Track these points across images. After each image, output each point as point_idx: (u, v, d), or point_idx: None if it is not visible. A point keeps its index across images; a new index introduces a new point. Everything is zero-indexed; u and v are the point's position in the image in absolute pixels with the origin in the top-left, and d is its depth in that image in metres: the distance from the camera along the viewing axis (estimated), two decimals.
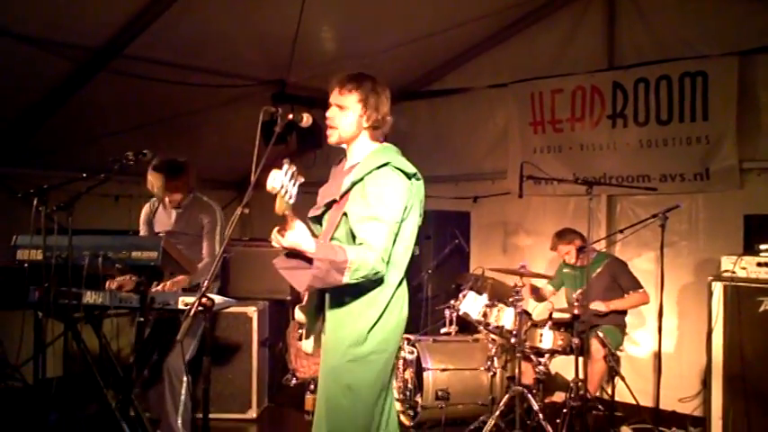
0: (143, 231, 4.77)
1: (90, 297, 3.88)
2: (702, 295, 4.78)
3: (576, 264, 5.61)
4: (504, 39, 6.86)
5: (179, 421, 4.46)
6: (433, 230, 6.53)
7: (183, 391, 4.40)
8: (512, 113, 6.85)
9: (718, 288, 4.61)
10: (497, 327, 5.16)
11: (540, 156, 6.48)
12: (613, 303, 5.35)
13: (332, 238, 2.86)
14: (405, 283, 2.97)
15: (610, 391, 5.37)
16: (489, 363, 5.23)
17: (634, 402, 5.23)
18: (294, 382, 6.29)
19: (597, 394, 5.43)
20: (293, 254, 2.76)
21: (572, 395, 4.84)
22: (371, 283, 2.80)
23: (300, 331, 3.16)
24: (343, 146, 3.05)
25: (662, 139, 5.84)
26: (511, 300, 5.08)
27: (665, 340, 5.00)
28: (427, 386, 5.14)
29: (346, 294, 2.84)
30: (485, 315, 5.24)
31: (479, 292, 5.46)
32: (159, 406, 4.55)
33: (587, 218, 4.85)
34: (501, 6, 6.13)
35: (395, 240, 2.82)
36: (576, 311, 4.85)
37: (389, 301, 2.86)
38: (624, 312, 5.53)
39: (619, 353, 5.43)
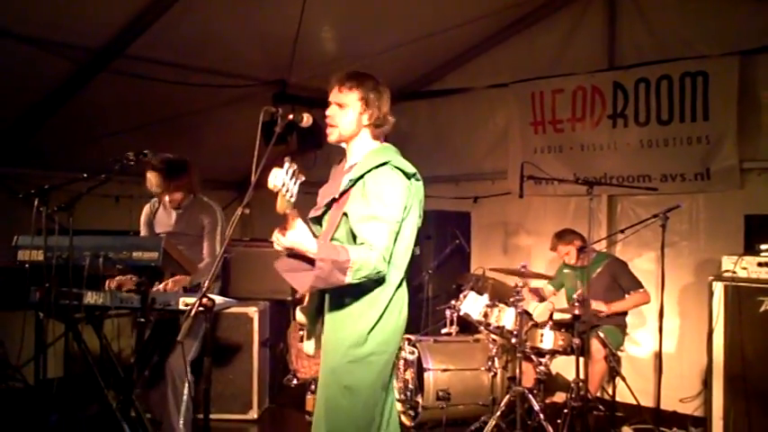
0: (143, 232, 4.76)
1: (91, 297, 3.88)
2: (703, 295, 4.78)
3: (577, 264, 5.61)
4: (505, 39, 6.86)
5: (181, 422, 4.46)
6: (434, 231, 6.54)
7: (186, 392, 4.40)
8: (512, 113, 6.85)
9: (718, 288, 4.61)
10: (498, 327, 5.16)
11: (540, 156, 6.48)
12: (614, 305, 5.35)
13: (332, 239, 2.86)
14: (405, 283, 2.97)
15: (611, 392, 5.37)
16: (490, 363, 5.23)
17: (635, 403, 5.24)
18: (295, 382, 6.27)
19: (598, 394, 5.43)
20: (294, 255, 2.76)
21: (573, 395, 4.84)
22: (372, 284, 2.80)
23: (301, 333, 3.16)
24: (343, 145, 3.05)
25: (662, 139, 5.84)
26: (512, 300, 5.08)
27: (666, 340, 5.00)
28: (428, 386, 5.14)
29: (346, 295, 2.84)
30: (485, 315, 5.24)
31: (480, 293, 5.46)
32: (161, 406, 4.55)
33: (588, 218, 4.85)
34: (501, 6, 6.14)
35: (395, 240, 2.82)
36: (576, 312, 4.84)
37: (389, 302, 2.85)
38: (625, 312, 5.53)
39: (619, 353, 5.43)
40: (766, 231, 4.92)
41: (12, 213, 5.53)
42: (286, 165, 2.45)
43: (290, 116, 2.93)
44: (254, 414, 5.53)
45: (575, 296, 4.96)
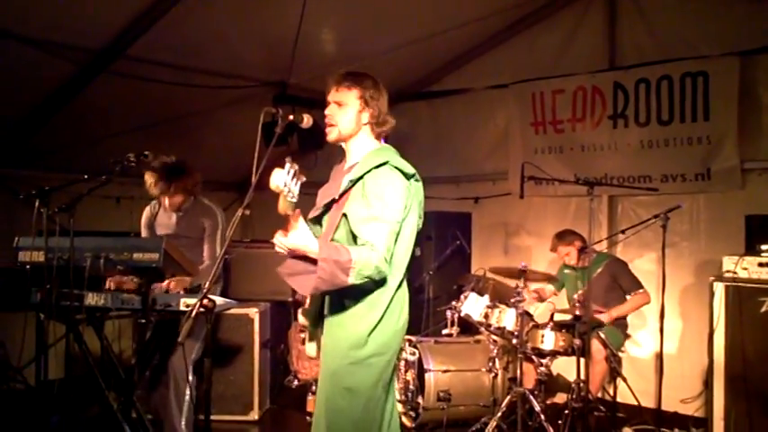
0: (144, 234, 4.75)
1: (92, 299, 3.88)
2: (704, 296, 4.78)
3: (577, 265, 5.61)
4: (505, 39, 6.86)
5: (183, 422, 4.46)
6: (435, 231, 6.54)
7: (187, 392, 4.40)
8: (512, 114, 6.85)
9: (719, 288, 4.61)
10: (499, 328, 5.16)
11: (541, 156, 6.48)
12: (615, 310, 5.34)
13: (332, 239, 2.85)
14: (405, 284, 2.96)
15: (611, 392, 5.37)
16: (491, 364, 5.23)
17: (636, 403, 5.24)
18: (296, 383, 6.30)
19: (599, 395, 5.43)
20: (296, 257, 2.76)
21: (574, 396, 4.84)
22: (372, 286, 2.79)
23: (303, 335, 3.16)
24: (342, 145, 3.04)
25: (663, 140, 5.84)
26: (512, 301, 5.08)
27: (667, 341, 4.99)
28: (429, 387, 5.14)
29: (346, 297, 2.83)
30: (486, 316, 5.24)
31: (481, 294, 5.46)
32: (163, 407, 4.55)
33: (588, 218, 4.85)
34: (501, 7, 6.14)
35: (395, 241, 2.82)
36: (577, 313, 4.84)
37: (390, 304, 2.85)
38: None
39: (620, 354, 5.42)
40: (767, 232, 4.91)
41: (13, 214, 5.55)
42: (287, 165, 2.45)
43: (291, 117, 2.93)
44: (254, 415, 5.53)
45: (575, 297, 4.96)
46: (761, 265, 4.52)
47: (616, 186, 5.91)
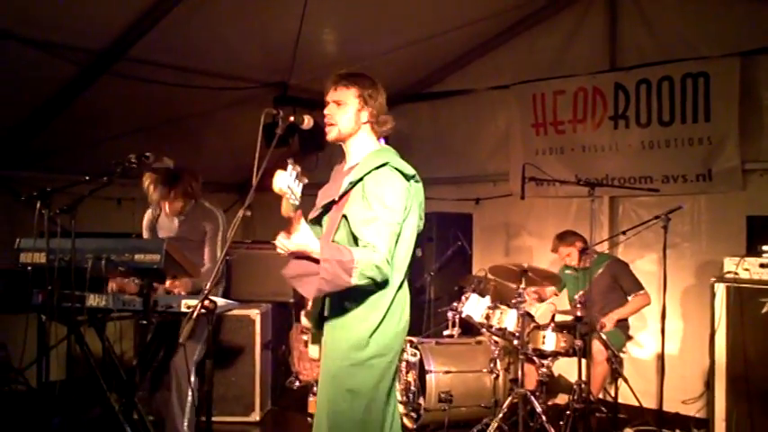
0: (146, 236, 4.76)
1: (93, 300, 3.88)
2: (705, 297, 4.77)
3: (578, 266, 5.60)
4: (506, 40, 6.86)
5: (185, 423, 4.46)
6: (436, 232, 6.54)
7: (190, 393, 4.40)
8: (513, 115, 6.86)
9: (720, 289, 4.60)
10: (500, 329, 5.16)
11: (541, 157, 6.48)
12: (616, 313, 5.34)
13: (332, 240, 2.85)
14: (406, 285, 2.96)
15: (613, 393, 5.37)
16: (492, 365, 5.23)
17: (637, 404, 5.23)
18: (297, 384, 6.28)
19: (600, 396, 5.43)
20: (299, 258, 2.76)
21: (575, 397, 4.85)
22: (372, 287, 2.78)
23: (306, 337, 3.16)
24: (342, 145, 3.04)
25: (664, 141, 5.84)
26: (513, 302, 5.08)
27: (668, 342, 4.99)
28: (430, 388, 5.14)
29: (347, 299, 2.83)
30: (487, 317, 5.24)
31: (482, 294, 5.46)
32: (165, 408, 4.55)
33: (590, 219, 4.85)
34: (502, 8, 6.14)
35: (396, 242, 2.82)
36: (578, 313, 4.84)
37: (390, 305, 2.85)
38: None
39: (622, 354, 5.43)
40: None
41: (14, 216, 5.55)
42: (289, 167, 2.45)
43: (292, 118, 2.94)
44: (256, 416, 5.53)
45: (576, 297, 4.96)
46: (762, 265, 4.52)
47: (617, 187, 5.91)
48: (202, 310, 2.72)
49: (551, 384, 5.30)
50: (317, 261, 2.68)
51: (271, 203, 2.50)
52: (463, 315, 5.41)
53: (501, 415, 4.88)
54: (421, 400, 5.21)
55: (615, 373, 5.25)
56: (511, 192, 6.73)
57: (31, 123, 5.82)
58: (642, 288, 5.40)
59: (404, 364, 5.36)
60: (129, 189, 6.35)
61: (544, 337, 5.04)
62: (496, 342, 5.34)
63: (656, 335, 5.38)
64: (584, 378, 4.84)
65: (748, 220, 5.32)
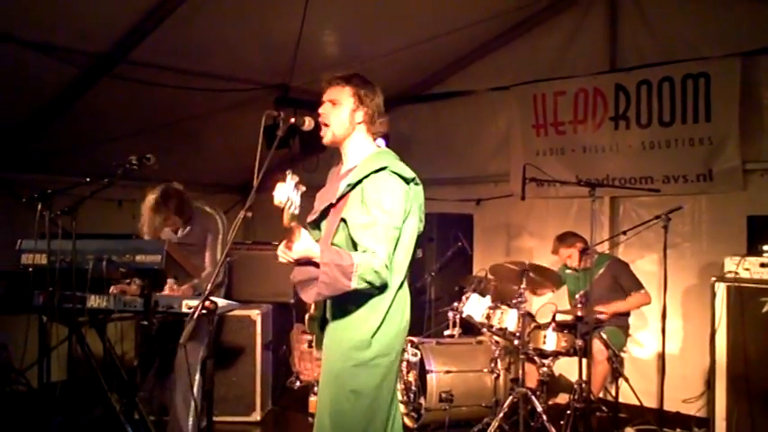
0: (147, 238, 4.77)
1: (94, 301, 3.89)
2: (705, 296, 4.77)
3: (579, 266, 5.61)
4: (506, 41, 6.87)
5: (190, 421, 4.47)
6: (437, 233, 6.54)
7: (194, 392, 4.41)
8: (514, 116, 6.86)
9: (721, 289, 4.60)
10: (501, 329, 5.16)
11: (542, 158, 6.48)
12: (614, 305, 5.35)
13: (331, 244, 2.86)
14: (406, 286, 2.97)
15: (613, 393, 5.38)
16: (493, 365, 5.24)
17: (638, 403, 5.24)
18: (298, 384, 6.30)
19: (601, 395, 5.43)
20: (303, 264, 2.77)
21: (576, 397, 4.85)
22: (372, 290, 2.79)
23: (308, 338, 3.17)
24: (339, 147, 3.05)
25: (665, 141, 5.84)
26: (514, 302, 5.09)
27: (669, 341, 4.99)
28: (431, 388, 5.15)
29: (348, 301, 2.84)
30: (488, 317, 5.25)
31: (483, 294, 5.46)
32: (170, 407, 4.57)
33: (590, 220, 4.85)
34: (503, 9, 6.14)
35: (395, 245, 2.82)
36: (579, 313, 4.85)
37: (391, 306, 2.85)
38: (627, 313, 5.54)
39: (622, 354, 5.43)
40: None
41: (15, 218, 5.56)
42: (288, 178, 2.46)
43: (292, 120, 2.95)
44: (257, 416, 5.54)
45: (577, 297, 4.96)
46: (762, 265, 4.52)
47: (618, 187, 5.91)
48: (203, 311, 2.72)
49: (552, 384, 5.31)
50: (318, 265, 2.69)
51: (271, 205, 2.51)
52: (464, 315, 5.42)
53: (502, 414, 4.88)
54: (422, 400, 5.22)
55: (616, 372, 5.26)
56: (511, 192, 6.74)
57: (32, 125, 5.83)
58: (642, 287, 5.40)
59: (405, 363, 5.38)
60: (130, 190, 6.33)
61: (545, 337, 5.05)
62: (497, 342, 5.35)
63: (656, 334, 5.38)
64: (584, 377, 4.84)
65: (749, 220, 5.31)
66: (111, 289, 4.13)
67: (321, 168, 6.53)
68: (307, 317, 3.15)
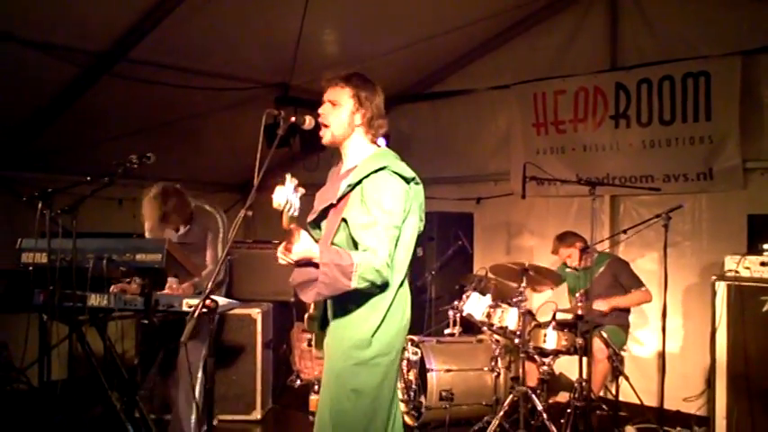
0: (149, 236, 4.78)
1: (94, 300, 3.89)
2: (706, 295, 4.77)
3: (579, 266, 5.61)
4: (507, 40, 6.87)
5: (193, 418, 4.47)
6: (437, 232, 6.55)
7: (198, 390, 4.41)
8: (514, 115, 6.86)
9: (721, 288, 4.60)
10: (501, 327, 5.16)
11: (542, 157, 6.48)
12: (614, 300, 5.36)
13: (331, 243, 2.86)
14: (406, 285, 2.97)
15: (614, 391, 5.37)
16: (493, 363, 5.24)
17: (638, 402, 5.24)
18: (298, 383, 6.32)
19: (601, 394, 5.44)
20: (302, 265, 2.77)
21: (576, 395, 4.84)
22: (373, 289, 2.79)
23: (309, 337, 3.17)
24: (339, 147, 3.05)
25: (665, 140, 5.84)
26: (514, 300, 5.09)
27: (669, 340, 4.99)
28: (431, 387, 5.15)
29: (348, 301, 2.84)
30: (488, 316, 5.24)
31: (483, 293, 5.46)
32: (173, 405, 4.58)
33: (590, 218, 4.85)
34: (503, 8, 6.14)
35: (396, 244, 2.82)
36: (579, 312, 4.85)
37: (391, 304, 2.85)
38: (628, 312, 5.54)
39: (623, 353, 5.43)
40: None
41: (15, 216, 5.56)
42: (287, 181, 2.46)
43: (293, 119, 2.95)
44: (257, 415, 5.54)
45: (577, 296, 4.97)
46: (763, 264, 4.52)
47: (618, 186, 5.91)
48: (204, 310, 2.72)
49: (552, 382, 5.30)
50: (318, 266, 2.70)
51: (271, 203, 2.51)
52: (464, 314, 5.41)
53: (502, 413, 4.88)
54: (422, 399, 5.22)
55: (616, 371, 5.25)
56: (512, 191, 6.74)
57: (33, 124, 5.84)
58: (643, 285, 5.41)
59: (405, 362, 5.38)
60: (130, 189, 6.34)
61: (545, 336, 5.04)
62: (497, 340, 5.35)
63: (656, 333, 5.38)
64: (585, 376, 4.83)
65: (749, 218, 5.32)
66: (112, 288, 4.13)
67: (321, 167, 6.53)
68: (306, 316, 3.15)
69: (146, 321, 3.87)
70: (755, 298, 4.47)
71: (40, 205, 3.60)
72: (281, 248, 2.74)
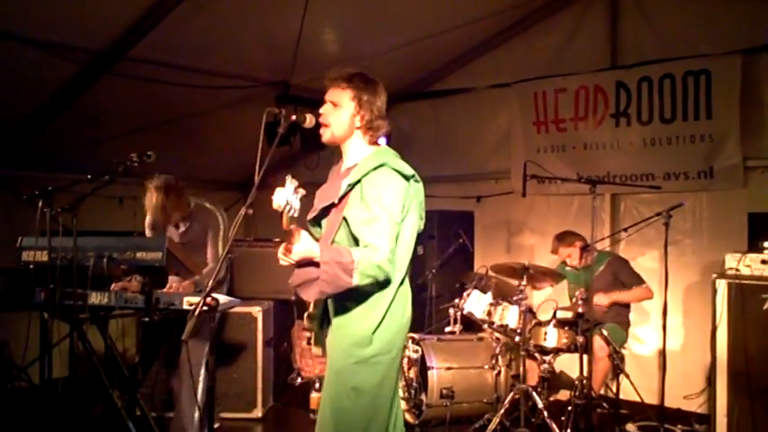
0: (149, 235, 4.78)
1: (95, 298, 3.89)
2: (706, 293, 4.77)
3: (579, 264, 5.61)
4: (507, 39, 6.87)
5: (196, 415, 4.47)
6: (437, 230, 6.55)
7: (201, 387, 4.42)
8: (515, 113, 6.86)
9: (722, 286, 4.60)
10: (502, 325, 5.16)
11: (543, 155, 6.48)
12: (615, 294, 5.36)
13: (332, 242, 2.86)
14: (407, 283, 2.97)
15: (614, 389, 5.37)
16: (494, 361, 5.24)
17: (639, 400, 5.24)
18: (299, 381, 6.32)
19: (602, 392, 5.44)
20: (302, 266, 2.77)
21: (576, 393, 4.85)
22: (373, 286, 2.79)
23: (308, 335, 3.17)
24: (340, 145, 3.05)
25: (665, 138, 5.84)
26: (515, 298, 5.09)
27: (670, 338, 5.00)
28: (432, 385, 5.16)
29: (349, 298, 2.84)
30: (489, 314, 5.25)
31: (483, 291, 5.46)
32: (175, 404, 4.59)
33: (591, 217, 4.85)
34: (503, 7, 6.13)
35: (396, 241, 2.82)
36: (579, 310, 4.85)
37: (392, 302, 2.85)
38: (628, 310, 5.54)
39: (623, 351, 5.43)
40: None
41: (16, 215, 5.57)
42: (288, 182, 2.46)
43: (293, 117, 2.94)
44: (258, 413, 5.54)
45: (577, 294, 4.97)
46: (763, 262, 4.52)
47: (619, 185, 5.90)
48: (204, 308, 2.72)
49: (553, 380, 5.30)
50: (319, 265, 2.70)
51: (272, 202, 2.51)
52: (465, 312, 5.42)
53: (503, 411, 4.89)
54: (423, 397, 5.23)
55: (617, 369, 5.26)
56: (512, 189, 6.74)
57: (33, 123, 5.83)
58: (644, 282, 5.41)
59: (406, 360, 5.38)
60: (130, 188, 6.32)
61: (546, 334, 5.04)
62: (498, 338, 5.35)
63: (657, 331, 5.38)
64: (585, 374, 4.83)
65: (749, 216, 5.31)
66: (113, 286, 4.13)
67: (322, 166, 6.54)
68: (306, 314, 3.15)
69: (146, 319, 3.87)
70: (756, 296, 4.47)
71: (40, 204, 3.61)
72: (281, 249, 2.75)
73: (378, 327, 2.82)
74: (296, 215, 2.52)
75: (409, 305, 2.98)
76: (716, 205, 5.74)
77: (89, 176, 3.80)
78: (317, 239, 2.82)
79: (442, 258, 6.44)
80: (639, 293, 5.41)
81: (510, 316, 5.12)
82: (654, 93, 5.86)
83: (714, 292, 4.63)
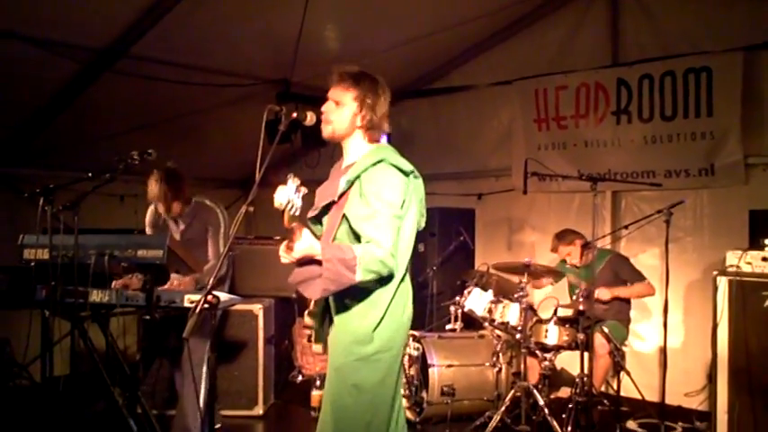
0: (149, 233, 4.78)
1: (96, 296, 3.89)
2: (707, 290, 4.77)
3: (580, 263, 5.60)
4: (508, 36, 6.86)
5: (198, 417, 4.48)
6: (438, 227, 6.55)
7: (203, 384, 4.42)
8: (516, 111, 6.86)
9: (723, 283, 4.60)
10: (502, 323, 5.17)
11: (544, 152, 6.48)
12: (617, 290, 5.36)
13: (334, 239, 2.86)
14: (408, 280, 2.96)
15: (615, 387, 5.38)
16: (494, 359, 5.25)
17: (639, 397, 5.24)
18: (300, 378, 6.33)
19: (602, 389, 5.44)
20: (303, 264, 2.78)
21: (577, 390, 4.85)
22: (374, 283, 2.79)
23: (309, 332, 3.17)
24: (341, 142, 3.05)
25: (666, 135, 5.83)
26: (516, 296, 5.09)
27: (671, 335, 4.99)
28: (433, 382, 5.16)
29: (348, 296, 2.83)
30: (490, 311, 5.25)
31: (484, 289, 5.47)
32: (178, 402, 4.59)
33: (592, 214, 4.85)
34: (504, 4, 6.13)
35: (397, 236, 2.82)
36: (580, 307, 4.85)
37: (392, 299, 2.85)
38: (629, 307, 5.54)
39: (624, 348, 5.43)
40: None
41: (17, 213, 5.57)
42: (289, 181, 2.46)
43: (294, 115, 2.94)
44: (259, 410, 5.54)
45: (578, 292, 4.97)
46: (764, 259, 4.51)
47: (619, 182, 5.91)
48: (205, 305, 2.73)
49: (554, 378, 5.31)
50: (321, 263, 2.70)
51: (273, 200, 2.51)
52: (465, 309, 5.42)
53: (503, 408, 4.89)
54: (424, 394, 5.24)
55: (617, 366, 5.26)
56: (513, 187, 6.74)
57: (34, 121, 5.84)
58: (645, 278, 5.41)
59: (407, 357, 5.38)
60: (131, 185, 6.33)
61: (546, 331, 5.05)
62: (499, 336, 5.35)
63: (658, 328, 5.37)
64: (586, 371, 4.84)
65: (750, 214, 5.32)
66: (114, 283, 4.14)
67: (323, 164, 6.53)
68: (307, 312, 3.16)
69: (147, 317, 3.87)
70: (757, 293, 4.46)
71: (41, 202, 3.61)
72: (282, 247, 2.75)
73: (378, 324, 2.82)
74: (297, 213, 2.52)
75: (410, 303, 2.98)
76: (717, 202, 5.74)
77: (90, 174, 3.80)
78: (318, 237, 2.82)
79: (443, 256, 6.45)
80: (641, 290, 5.41)
81: (511, 313, 5.12)
82: (655, 90, 5.85)
83: (715, 289, 4.62)
